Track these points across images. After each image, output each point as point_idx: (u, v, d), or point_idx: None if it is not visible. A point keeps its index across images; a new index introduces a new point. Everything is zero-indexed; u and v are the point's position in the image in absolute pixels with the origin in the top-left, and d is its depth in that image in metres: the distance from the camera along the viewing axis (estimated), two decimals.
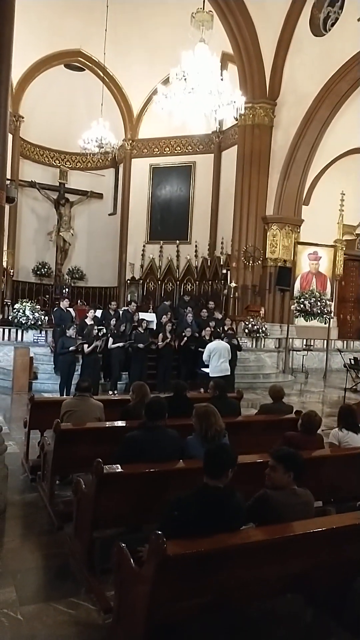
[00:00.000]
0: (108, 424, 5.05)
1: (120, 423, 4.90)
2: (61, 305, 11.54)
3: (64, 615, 3.17)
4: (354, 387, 11.87)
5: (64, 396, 8.71)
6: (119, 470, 3.70)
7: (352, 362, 13.02)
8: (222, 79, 10.00)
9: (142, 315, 12.44)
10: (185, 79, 9.81)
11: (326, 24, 14.28)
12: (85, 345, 9.76)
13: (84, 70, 19.21)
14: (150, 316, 13.22)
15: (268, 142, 15.63)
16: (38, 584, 3.63)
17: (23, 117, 18.50)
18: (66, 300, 11.93)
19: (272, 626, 3.00)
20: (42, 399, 6.69)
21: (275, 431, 4.98)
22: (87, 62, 18.84)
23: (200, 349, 10.26)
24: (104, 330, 10.72)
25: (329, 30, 14.15)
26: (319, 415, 4.61)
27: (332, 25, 14.05)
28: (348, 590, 3.13)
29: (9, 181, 4.76)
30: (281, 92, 15.49)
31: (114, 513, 3.72)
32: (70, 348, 9.62)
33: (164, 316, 11.87)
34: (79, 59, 18.86)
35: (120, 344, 10.42)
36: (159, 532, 2.46)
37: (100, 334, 10.32)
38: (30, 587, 3.54)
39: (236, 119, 13.96)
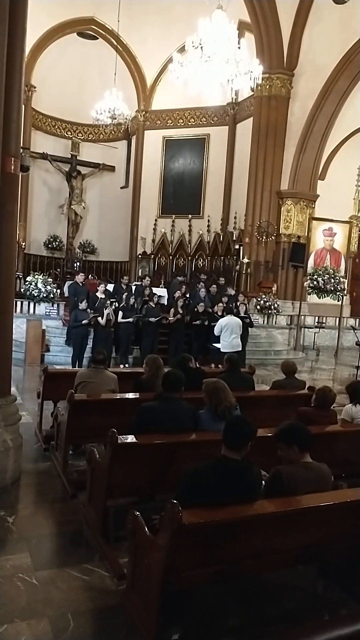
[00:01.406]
0: (121, 395, 5.07)
1: (134, 395, 4.92)
2: (76, 279, 11.54)
3: (78, 581, 3.22)
4: None
5: (77, 368, 8.77)
6: (133, 440, 3.73)
7: None
8: (239, 48, 9.75)
9: (153, 290, 12.40)
10: (201, 48, 9.58)
11: None
12: (100, 318, 9.79)
13: (97, 38, 18.79)
14: (161, 291, 13.18)
15: (284, 114, 15.26)
16: (52, 550, 3.70)
17: (35, 87, 18.20)
18: (81, 274, 11.93)
19: (284, 596, 3.04)
20: (55, 371, 6.73)
21: (289, 406, 4.99)
22: (101, 31, 18.42)
23: (212, 324, 10.24)
24: (116, 304, 10.72)
25: None
26: (333, 391, 4.60)
27: None
28: (359, 563, 3.16)
29: (23, 149, 4.68)
30: (299, 62, 15.05)
31: (128, 483, 3.76)
32: (84, 321, 9.64)
33: (178, 291, 11.83)
34: (92, 27, 18.43)
35: (129, 319, 10.43)
36: (175, 501, 2.48)
37: (112, 308, 10.32)
38: (44, 553, 3.61)
39: (252, 90, 13.65)
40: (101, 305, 10.09)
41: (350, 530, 3.07)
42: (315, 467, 3.03)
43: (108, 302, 10.20)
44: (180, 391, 4.05)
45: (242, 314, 10.86)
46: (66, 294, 11.82)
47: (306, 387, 5.74)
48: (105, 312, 9.85)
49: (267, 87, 15.01)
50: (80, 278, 11.51)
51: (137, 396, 4.84)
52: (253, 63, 9.87)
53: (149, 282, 12.58)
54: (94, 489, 3.97)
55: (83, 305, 9.85)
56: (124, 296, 10.83)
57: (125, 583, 3.05)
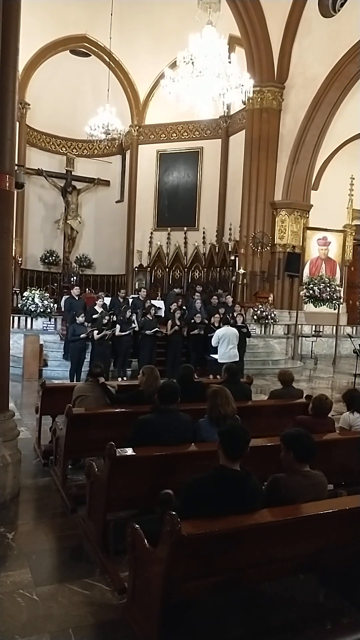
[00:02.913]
0: (119, 408, 5.07)
1: (132, 408, 4.92)
2: (72, 293, 11.57)
3: (78, 596, 3.21)
4: None
5: (75, 382, 8.76)
6: (132, 453, 3.73)
7: None
8: (229, 62, 9.89)
9: (152, 302, 12.43)
10: (192, 63, 9.71)
11: (335, 4, 14.03)
12: (95, 332, 9.81)
13: (90, 55, 19.04)
14: (159, 303, 13.22)
15: (276, 126, 15.45)
16: (52, 566, 3.68)
17: (29, 104, 18.42)
18: (77, 288, 11.96)
19: (286, 606, 3.03)
20: (53, 385, 6.74)
21: (287, 415, 4.99)
22: (93, 48, 18.67)
23: (209, 335, 10.26)
24: (114, 318, 10.74)
25: (338, 10, 13.90)
26: (330, 399, 4.60)
27: (342, 5, 13.79)
28: None
29: (17, 167, 4.74)
30: (289, 75, 15.26)
31: (127, 495, 3.76)
32: (82, 335, 9.66)
33: (174, 304, 11.86)
34: (85, 44, 18.68)
35: (127, 332, 10.45)
36: (174, 513, 2.48)
37: (110, 321, 10.35)
38: (45, 569, 3.59)
39: (244, 103, 13.81)
40: (99, 319, 10.11)
41: (350, 538, 3.07)
42: (311, 475, 3.04)
43: (106, 317, 10.22)
44: (177, 402, 4.06)
45: (239, 324, 10.88)
46: (63, 309, 11.83)
47: (305, 396, 5.75)
48: (105, 332, 9.87)
49: (259, 99, 15.20)
50: (75, 292, 11.54)
51: (135, 409, 4.83)
52: (244, 77, 10.01)
53: (145, 294, 12.61)
54: (93, 503, 3.96)
55: (80, 319, 9.87)
56: (121, 309, 10.86)
57: (126, 596, 3.03)
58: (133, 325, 10.71)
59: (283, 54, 15.10)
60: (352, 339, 12.84)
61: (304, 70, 14.84)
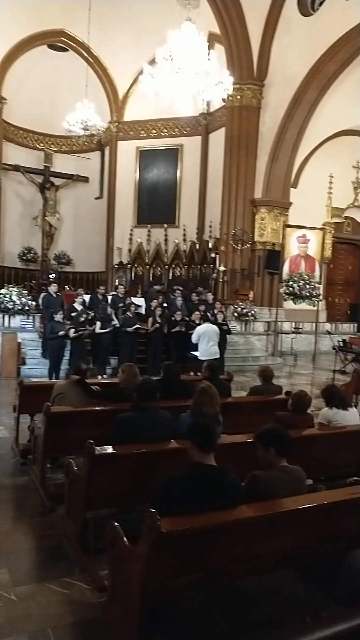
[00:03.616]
0: (99, 406, 5.04)
1: (111, 406, 4.89)
2: (49, 290, 11.45)
3: (58, 595, 3.18)
4: (343, 368, 11.96)
5: (54, 380, 8.68)
6: (111, 451, 3.70)
7: (341, 344, 13.12)
8: (209, 59, 9.87)
9: (132, 299, 12.38)
10: (172, 59, 9.67)
11: (314, 3, 14.10)
12: (72, 330, 9.73)
13: (68, 50, 18.84)
14: (139, 300, 13.17)
15: (256, 124, 15.48)
16: (31, 565, 3.64)
17: (6, 99, 18.12)
18: (54, 285, 11.83)
19: (266, 601, 3.04)
20: (31, 384, 6.66)
21: (267, 411, 5.02)
22: (71, 42, 18.47)
23: (190, 332, 10.26)
24: (95, 315, 10.67)
25: (317, 9, 13.99)
26: (309, 395, 4.65)
27: (320, 4, 13.88)
28: (340, 564, 3.17)
29: None
30: (269, 73, 15.31)
31: (107, 494, 3.73)
32: (60, 333, 9.57)
33: (154, 301, 11.83)
34: (63, 39, 18.47)
35: (108, 329, 10.40)
36: (153, 510, 2.47)
37: (88, 318, 10.26)
38: (23, 568, 3.55)
39: (224, 101, 13.83)
40: (77, 317, 10.03)
41: (329, 532, 3.10)
42: (290, 470, 3.05)
43: (84, 315, 10.12)
44: (156, 400, 4.04)
45: (220, 322, 10.91)
46: (41, 306, 11.71)
47: (284, 392, 5.79)
48: (82, 332, 9.80)
49: (238, 97, 15.21)
50: (53, 289, 11.42)
51: (115, 407, 4.80)
52: (223, 74, 10.00)
53: (123, 291, 12.55)
54: (72, 502, 3.92)
55: (59, 316, 9.77)
56: (100, 307, 10.79)
57: (106, 595, 3.01)
58: (113, 322, 10.66)
59: (262, 52, 15.14)
60: (331, 336, 12.97)
61: (283, 68, 14.91)
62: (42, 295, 12.02)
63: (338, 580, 3.13)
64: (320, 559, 3.22)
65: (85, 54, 17.58)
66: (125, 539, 2.75)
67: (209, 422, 2.96)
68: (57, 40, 18.57)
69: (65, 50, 18.89)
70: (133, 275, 18.98)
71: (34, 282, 18.42)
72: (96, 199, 20.64)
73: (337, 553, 3.15)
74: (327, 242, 15.96)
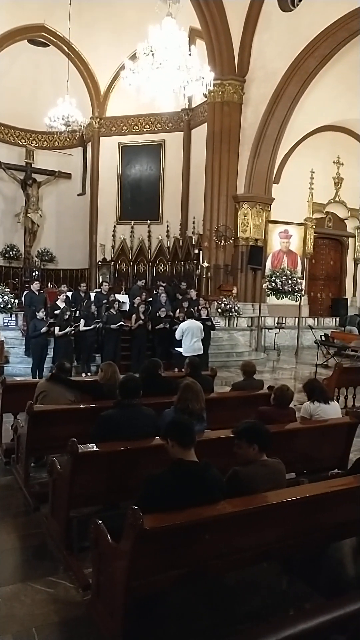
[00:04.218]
0: (82, 404, 5.02)
1: (94, 403, 4.88)
2: (32, 288, 11.36)
3: (42, 594, 3.17)
4: (325, 362, 12.08)
5: (37, 379, 8.62)
6: (94, 449, 3.70)
7: (323, 338, 13.24)
8: (190, 54, 9.84)
9: (116, 296, 12.34)
10: (152, 54, 9.62)
11: None
12: (57, 328, 9.67)
13: (49, 45, 18.63)
14: (123, 297, 13.14)
15: (238, 119, 15.50)
16: (15, 565, 3.63)
17: None
18: (37, 282, 11.75)
19: (250, 594, 3.07)
20: (14, 382, 6.61)
21: (250, 406, 5.05)
22: (52, 38, 18.25)
23: (174, 329, 10.27)
24: (77, 313, 10.61)
25: (297, 5, 14.03)
26: (291, 389, 4.68)
27: (300, 0, 13.92)
28: (322, 557, 3.22)
29: None
30: (250, 68, 15.33)
31: (90, 492, 3.73)
32: (42, 329, 9.51)
33: (138, 297, 11.80)
34: (43, 34, 18.25)
35: (92, 326, 10.36)
36: (136, 507, 2.47)
37: (72, 317, 10.21)
38: (7, 568, 3.53)
39: (205, 96, 13.83)
40: (61, 315, 9.96)
41: (311, 525, 3.14)
42: (270, 464, 3.08)
43: (68, 313, 10.07)
44: (139, 396, 4.05)
45: (204, 317, 10.93)
46: (24, 304, 11.61)
47: (267, 387, 5.83)
48: (68, 330, 9.76)
49: (220, 93, 15.21)
50: (36, 287, 11.33)
51: (98, 405, 4.79)
52: (204, 69, 9.97)
53: (107, 288, 12.51)
54: (56, 500, 3.91)
55: (41, 314, 9.70)
56: (84, 304, 10.74)
57: (91, 593, 3.02)
58: (98, 320, 10.61)
59: (243, 47, 15.15)
60: (314, 330, 13.08)
61: (264, 64, 14.93)
62: (25, 293, 11.92)
63: (320, 572, 3.18)
64: (302, 552, 3.26)
65: (66, 49, 17.38)
66: (108, 536, 2.75)
67: (187, 418, 2.97)
68: (37, 35, 18.35)
69: (46, 45, 18.68)
70: (117, 272, 18.93)
71: (16, 279, 18.28)
72: (79, 195, 20.51)
73: (319, 545, 3.20)
74: (309, 238, 16.06)
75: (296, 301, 15.21)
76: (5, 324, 11.48)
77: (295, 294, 15.00)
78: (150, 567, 2.61)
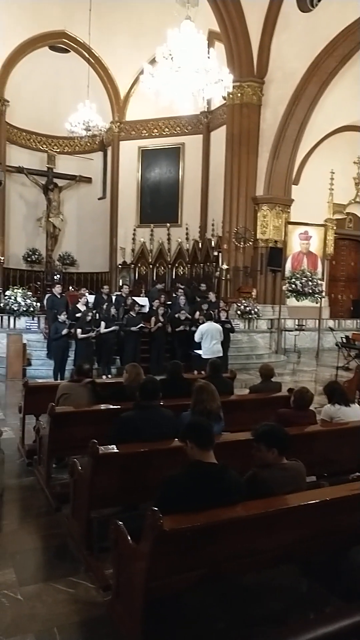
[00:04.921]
0: (103, 406, 5.07)
1: (115, 405, 4.92)
2: (54, 291, 11.50)
3: (63, 594, 3.21)
4: (346, 365, 11.96)
5: (59, 381, 8.72)
6: (114, 450, 3.73)
7: (344, 340, 13.11)
8: (209, 57, 9.87)
9: (135, 299, 12.42)
10: (171, 58, 9.68)
11: None
12: (79, 331, 9.77)
13: (69, 51, 18.88)
14: (143, 300, 13.21)
15: (257, 121, 15.49)
16: (37, 565, 3.68)
17: (8, 101, 18.18)
18: (58, 286, 11.89)
19: (268, 597, 3.06)
20: (36, 384, 6.69)
21: (269, 408, 5.04)
22: (72, 44, 18.51)
23: (193, 331, 10.29)
24: (97, 316, 10.71)
25: (316, 5, 13.96)
26: (310, 392, 4.65)
27: (319, 0, 13.85)
28: (342, 560, 3.20)
29: None
30: (269, 70, 15.30)
31: (111, 493, 3.76)
32: (64, 331, 9.62)
33: (156, 300, 11.86)
34: (64, 40, 18.51)
35: (112, 329, 10.44)
36: (155, 508, 2.49)
37: (95, 318, 10.32)
38: (29, 568, 3.58)
39: (224, 98, 13.84)
40: (83, 317, 10.07)
41: (331, 528, 3.11)
42: (289, 466, 3.06)
43: (89, 315, 10.18)
44: (158, 398, 4.07)
45: (223, 320, 10.92)
46: (45, 307, 11.77)
47: (287, 389, 5.80)
48: (90, 334, 9.86)
49: (239, 95, 15.22)
50: (57, 290, 11.48)
51: (119, 406, 4.83)
52: (223, 72, 10.00)
53: (128, 291, 12.60)
54: (77, 501, 3.96)
55: (63, 317, 9.82)
56: (104, 306, 10.84)
57: (111, 593, 3.04)
58: (118, 322, 10.69)
59: (262, 49, 15.13)
60: (334, 332, 12.97)
61: (283, 65, 14.89)
62: (46, 296, 12.08)
63: (340, 576, 3.15)
64: (322, 555, 3.24)
65: (87, 55, 17.61)
66: (128, 537, 2.77)
67: (205, 420, 2.97)
68: (58, 41, 18.62)
69: (66, 51, 18.94)
70: (136, 274, 19.03)
71: (38, 283, 18.52)
72: (99, 199, 20.69)
73: (339, 549, 3.17)
74: (329, 239, 15.95)
75: (316, 303, 15.10)
76: (27, 326, 11.64)
77: (316, 295, 14.90)
78: (169, 568, 2.63)
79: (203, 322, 10.39)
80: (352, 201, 17.73)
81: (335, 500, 3.06)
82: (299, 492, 3.05)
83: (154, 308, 11.50)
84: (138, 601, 2.61)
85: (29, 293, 12.22)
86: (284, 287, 14.95)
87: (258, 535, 2.84)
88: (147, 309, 12.45)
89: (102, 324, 10.38)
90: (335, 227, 16.49)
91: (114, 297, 12.28)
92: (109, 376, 10.39)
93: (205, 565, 2.70)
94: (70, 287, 17.04)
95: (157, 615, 2.65)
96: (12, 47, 17.49)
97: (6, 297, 11.82)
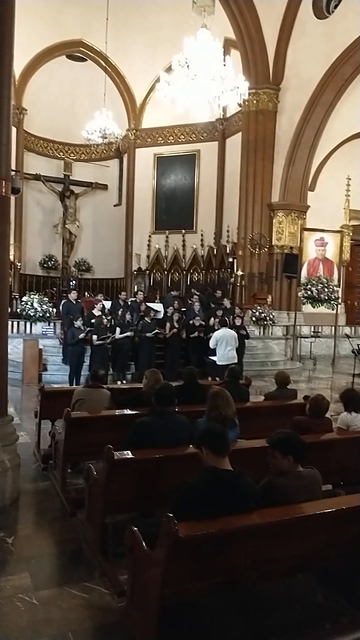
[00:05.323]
0: (118, 411, 5.09)
1: (130, 411, 4.93)
2: (69, 297, 11.59)
3: (78, 599, 3.21)
4: None
5: (74, 386, 8.77)
6: (129, 456, 3.74)
7: None
8: (224, 65, 9.93)
9: (150, 305, 12.46)
10: (187, 66, 9.76)
11: (329, 5, 14.09)
12: (95, 337, 9.83)
13: (86, 60, 19.11)
14: (158, 306, 13.25)
15: (272, 127, 15.50)
16: (52, 570, 3.69)
17: (26, 110, 18.45)
18: (74, 292, 11.98)
19: (284, 606, 3.03)
20: (52, 389, 6.75)
21: (284, 416, 5.01)
22: (89, 52, 18.73)
23: (208, 337, 10.28)
24: (113, 322, 10.76)
25: (332, 12, 13.96)
26: (326, 399, 4.61)
27: (336, 7, 13.85)
28: (358, 569, 3.16)
29: (13, 172, 4.76)
30: (285, 76, 15.32)
31: (125, 498, 3.77)
32: (80, 336, 9.69)
33: (171, 307, 11.88)
34: (81, 49, 18.75)
35: (127, 334, 10.48)
36: (171, 515, 2.49)
37: (109, 325, 10.37)
38: (44, 573, 3.60)
39: (240, 105, 13.86)
40: (98, 323, 10.13)
41: (348, 537, 3.08)
42: (305, 474, 3.04)
43: (105, 320, 10.24)
44: (174, 404, 4.07)
45: (238, 326, 10.89)
46: (61, 313, 11.87)
47: (302, 396, 5.77)
48: (105, 342, 9.92)
49: (254, 102, 15.25)
50: (73, 296, 11.56)
51: (134, 412, 4.85)
52: (239, 79, 10.05)
53: (142, 297, 12.65)
54: (92, 507, 3.97)
55: (78, 323, 9.89)
56: (119, 312, 10.89)
57: (125, 599, 3.04)
58: (132, 328, 10.73)
59: (278, 56, 15.15)
60: (351, 339, 12.85)
61: (299, 71, 14.89)
62: (62, 302, 12.18)
63: (356, 585, 3.12)
64: (338, 564, 3.20)
65: (103, 63, 17.80)
66: (143, 543, 2.77)
67: (221, 427, 2.97)
68: (75, 50, 18.86)
69: (83, 60, 19.17)
70: (152, 281, 19.09)
71: (54, 289, 18.65)
72: (115, 206, 20.83)
73: (355, 558, 3.13)
74: (346, 245, 15.83)
75: (332, 309, 14.99)
76: (43, 332, 11.74)
77: (332, 302, 14.79)
78: (184, 575, 2.62)
79: (218, 329, 10.38)
80: None
81: (351, 510, 3.03)
82: (315, 501, 3.02)
83: (169, 314, 11.52)
84: (153, 607, 2.60)
85: (45, 299, 12.34)
86: (299, 294, 14.87)
87: (273, 543, 2.83)
88: (161, 315, 12.49)
89: (117, 329, 10.43)
90: (351, 234, 16.36)
91: (128, 303, 12.33)
92: (124, 382, 10.43)
93: (221, 572, 2.69)
94: (86, 293, 17.16)
95: (172, 622, 2.65)
96: (30, 56, 17.75)
97: (23, 303, 11.95)
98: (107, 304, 11.93)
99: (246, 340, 11.34)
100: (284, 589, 3.13)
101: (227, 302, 12.62)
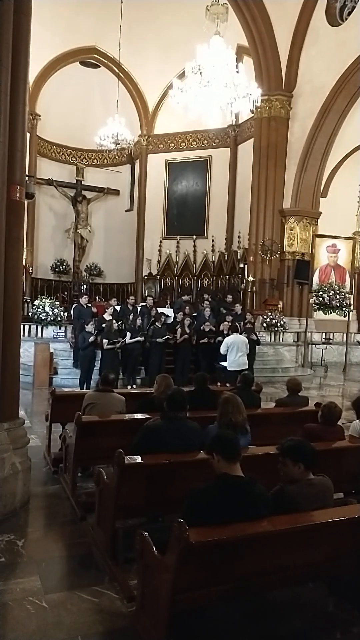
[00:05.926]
0: (128, 416, 5.09)
1: (142, 415, 4.93)
2: (80, 302, 11.64)
3: (87, 604, 3.21)
4: None
5: (85, 390, 8.79)
6: (140, 461, 3.74)
7: None
8: (237, 72, 9.98)
9: (160, 310, 12.47)
10: (200, 73, 9.82)
11: (343, 13, 14.10)
12: (105, 341, 9.85)
13: (100, 67, 19.27)
14: (168, 311, 13.26)
15: (285, 134, 15.51)
16: (62, 573, 3.69)
17: (40, 115, 18.63)
18: (85, 296, 12.03)
19: (295, 614, 3.01)
20: (63, 393, 6.77)
21: (296, 423, 4.98)
22: (102, 59, 18.89)
23: (219, 341, 10.28)
24: (123, 326, 10.79)
25: (346, 19, 13.96)
26: (339, 407, 4.58)
27: (349, 14, 13.86)
28: None
29: (27, 177, 4.80)
30: (297, 83, 15.34)
31: (136, 503, 3.76)
32: (90, 339, 9.72)
33: (181, 313, 11.88)
34: (94, 55, 18.92)
35: (137, 339, 10.50)
36: (182, 520, 2.48)
37: (119, 329, 10.40)
38: (54, 576, 3.59)
39: (252, 112, 13.91)
40: (109, 327, 10.16)
41: (359, 546, 3.05)
42: (316, 482, 3.01)
43: (115, 325, 10.27)
44: (185, 410, 4.07)
45: (249, 331, 10.87)
46: (72, 317, 11.92)
47: (314, 403, 5.74)
48: (116, 346, 9.95)
49: (267, 108, 15.28)
50: (84, 300, 11.62)
51: (145, 416, 4.85)
52: (251, 86, 10.08)
53: (152, 302, 12.67)
54: (102, 511, 3.97)
55: (90, 327, 9.93)
56: (130, 317, 10.92)
57: (135, 604, 3.03)
58: (143, 333, 10.74)
59: (291, 62, 15.19)
60: None
61: (311, 78, 14.91)
62: (73, 306, 12.23)
63: None
64: (350, 573, 3.17)
65: (116, 70, 17.94)
66: (154, 548, 2.77)
67: (232, 433, 2.96)
68: (89, 56, 19.04)
69: (96, 66, 19.33)
70: (162, 286, 19.12)
71: (65, 293, 18.76)
72: (126, 211, 20.94)
73: None
74: (358, 252, 15.78)
75: (344, 316, 14.91)
76: (54, 336, 11.80)
77: (344, 309, 14.72)
78: (194, 581, 2.61)
79: (228, 334, 10.37)
80: None
81: None
82: (327, 509, 3.00)
83: (179, 320, 11.52)
84: (163, 613, 2.59)
85: (56, 303, 12.40)
86: (311, 300, 14.82)
87: (285, 551, 2.81)
88: (171, 320, 12.50)
89: (128, 334, 10.45)
90: None
91: (138, 308, 12.36)
92: (134, 386, 10.44)
93: (231, 579, 2.68)
94: (97, 298, 17.23)
95: (182, 628, 2.63)
96: (44, 62, 17.94)
97: (34, 307, 12.01)
98: (118, 309, 11.97)
99: (257, 347, 11.31)
100: (294, 597, 3.10)
101: (238, 308, 12.61)
